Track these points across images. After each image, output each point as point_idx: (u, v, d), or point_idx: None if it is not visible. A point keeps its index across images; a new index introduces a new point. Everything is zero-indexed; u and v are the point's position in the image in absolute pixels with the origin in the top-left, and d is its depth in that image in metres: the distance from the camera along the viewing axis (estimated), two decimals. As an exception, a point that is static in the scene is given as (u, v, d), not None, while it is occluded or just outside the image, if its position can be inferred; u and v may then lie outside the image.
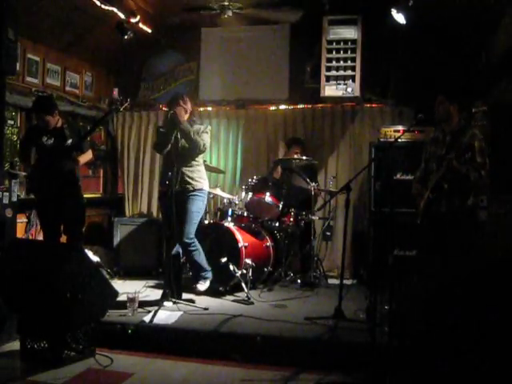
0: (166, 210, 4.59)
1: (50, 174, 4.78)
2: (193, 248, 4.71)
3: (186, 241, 4.63)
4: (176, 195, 4.54)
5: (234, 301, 4.90)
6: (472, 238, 4.17)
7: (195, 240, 4.72)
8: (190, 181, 4.66)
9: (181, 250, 4.74)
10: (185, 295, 4.77)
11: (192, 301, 4.64)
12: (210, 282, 4.87)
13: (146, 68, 7.09)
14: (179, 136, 4.64)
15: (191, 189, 4.65)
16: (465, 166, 3.97)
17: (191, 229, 4.65)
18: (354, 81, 5.82)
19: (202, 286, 4.79)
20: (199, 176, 4.73)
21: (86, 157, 5.02)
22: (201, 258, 4.80)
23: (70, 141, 4.85)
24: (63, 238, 5.02)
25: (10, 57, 4.71)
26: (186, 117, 4.67)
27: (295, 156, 5.80)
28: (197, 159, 4.74)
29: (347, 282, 5.57)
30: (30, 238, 5.47)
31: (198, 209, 4.70)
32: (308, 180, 5.54)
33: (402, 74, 5.98)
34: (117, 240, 6.14)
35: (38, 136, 4.87)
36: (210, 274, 4.86)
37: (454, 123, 4.19)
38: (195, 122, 4.80)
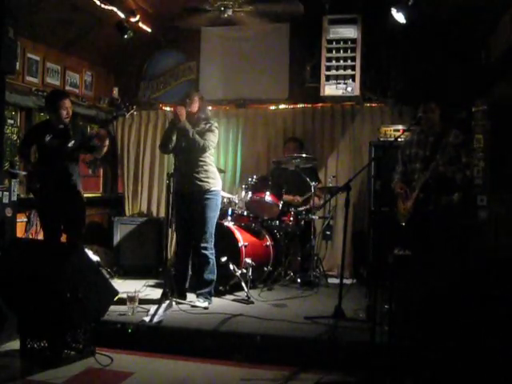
0: (178, 211, 4.60)
1: (51, 174, 4.77)
2: (209, 255, 4.63)
3: (203, 245, 4.61)
4: (187, 196, 4.57)
5: (233, 300, 4.90)
6: (460, 234, 4.31)
7: (213, 248, 4.68)
8: (197, 182, 4.62)
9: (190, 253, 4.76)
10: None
11: (192, 300, 4.63)
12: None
13: (145, 67, 7.09)
14: (181, 136, 4.64)
15: (199, 190, 4.62)
16: (450, 169, 4.11)
17: (208, 234, 4.63)
18: (353, 80, 5.81)
19: (201, 303, 4.57)
20: (207, 176, 4.65)
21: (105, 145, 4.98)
22: (211, 272, 4.67)
23: (72, 142, 4.82)
24: (63, 238, 5.02)
25: (9, 56, 4.71)
26: (193, 114, 4.63)
27: (289, 153, 5.81)
28: (203, 159, 4.65)
29: (347, 281, 5.57)
30: (30, 237, 5.47)
31: (213, 212, 4.66)
32: (308, 179, 5.54)
33: (402, 74, 5.99)
34: (117, 239, 6.15)
35: (41, 135, 4.84)
36: (211, 298, 4.69)
37: (437, 125, 4.34)
38: (205, 120, 4.71)
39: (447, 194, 4.21)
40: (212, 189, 4.66)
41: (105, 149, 4.94)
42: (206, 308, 4.50)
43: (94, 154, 5.00)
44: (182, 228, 4.71)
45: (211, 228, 4.67)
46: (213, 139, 4.66)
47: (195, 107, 4.66)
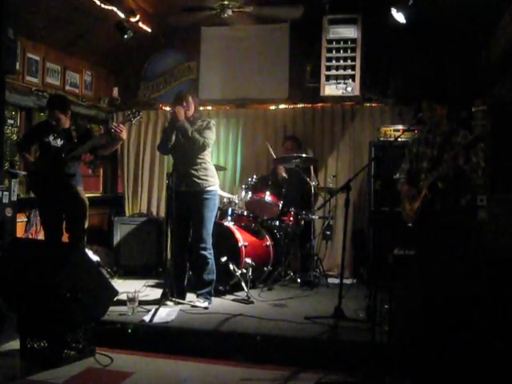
0: (176, 210, 4.58)
1: (54, 174, 4.76)
2: (208, 255, 4.63)
3: (202, 245, 4.62)
4: (185, 196, 4.57)
5: (233, 300, 4.90)
6: (466, 237, 4.26)
7: (211, 248, 4.68)
8: (196, 180, 4.63)
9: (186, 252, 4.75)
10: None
11: (192, 300, 4.63)
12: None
13: (145, 67, 7.09)
14: (180, 135, 4.64)
15: (198, 189, 4.62)
16: (468, 167, 4.02)
17: (206, 234, 4.63)
18: (353, 80, 5.81)
19: (202, 303, 4.56)
20: (205, 174, 4.66)
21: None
22: (210, 272, 4.67)
23: (79, 143, 4.80)
24: (65, 237, 5.02)
25: (9, 56, 4.72)
26: (190, 113, 4.65)
27: (287, 152, 5.83)
28: (201, 157, 4.66)
29: (347, 281, 5.56)
30: (30, 237, 5.47)
31: (211, 212, 4.67)
32: (308, 179, 5.54)
33: (402, 74, 5.99)
34: (117, 239, 6.15)
35: (44, 134, 4.84)
36: (211, 298, 4.69)
37: (444, 125, 4.25)
38: (200, 119, 4.74)
39: (457, 195, 4.13)
40: (210, 188, 4.67)
41: (114, 149, 4.98)
42: (206, 308, 4.51)
43: (101, 153, 4.98)
44: (179, 227, 4.70)
45: (209, 228, 4.67)
46: (211, 136, 4.68)
47: (192, 109, 4.68)
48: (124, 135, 4.77)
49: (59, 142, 4.80)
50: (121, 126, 4.70)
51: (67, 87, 6.31)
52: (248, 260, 5.01)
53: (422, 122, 4.38)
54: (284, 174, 5.85)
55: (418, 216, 4.21)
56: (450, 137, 4.17)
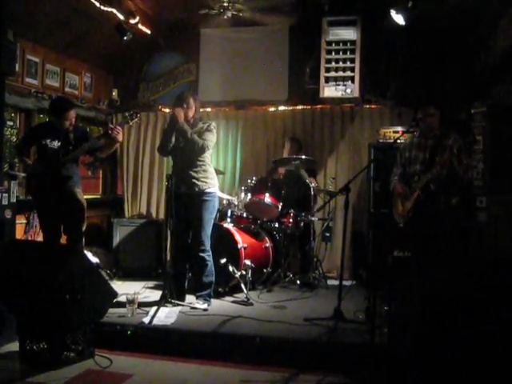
0: (176, 211, 4.58)
1: (51, 176, 4.76)
2: (206, 257, 4.63)
3: (200, 247, 4.61)
4: (185, 198, 4.58)
5: (233, 302, 4.90)
6: (460, 236, 4.35)
7: (210, 250, 4.67)
8: (196, 182, 4.62)
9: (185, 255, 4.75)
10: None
11: (191, 302, 4.63)
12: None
13: (145, 69, 7.09)
14: (180, 137, 4.64)
15: (197, 190, 4.61)
16: (461, 168, 4.12)
17: (205, 237, 4.63)
18: (353, 82, 5.82)
19: (201, 305, 4.56)
20: (205, 176, 4.65)
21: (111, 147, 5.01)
22: (209, 274, 4.67)
23: (77, 146, 4.81)
24: (63, 239, 5.01)
25: (9, 58, 4.72)
26: (190, 115, 4.64)
27: (288, 153, 5.83)
28: (201, 159, 4.65)
29: (346, 282, 5.55)
30: (30, 239, 5.46)
31: (210, 214, 4.67)
32: (308, 180, 5.54)
33: (401, 75, 5.99)
34: (116, 241, 6.14)
35: (41, 136, 4.84)
36: (211, 299, 4.69)
37: (435, 129, 4.38)
38: (201, 121, 4.73)
39: (447, 196, 4.24)
40: (210, 190, 4.67)
41: (111, 151, 4.98)
42: (205, 310, 4.50)
43: (99, 155, 4.99)
44: (179, 229, 4.70)
45: (208, 230, 4.66)
46: (211, 138, 4.67)
47: (192, 111, 4.67)
48: (120, 137, 4.77)
49: (56, 144, 4.80)
50: (117, 127, 4.70)
51: (66, 89, 6.31)
52: (247, 262, 5.00)
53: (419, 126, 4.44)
54: (276, 177, 5.92)
55: (410, 216, 4.29)
56: (442, 140, 4.31)
